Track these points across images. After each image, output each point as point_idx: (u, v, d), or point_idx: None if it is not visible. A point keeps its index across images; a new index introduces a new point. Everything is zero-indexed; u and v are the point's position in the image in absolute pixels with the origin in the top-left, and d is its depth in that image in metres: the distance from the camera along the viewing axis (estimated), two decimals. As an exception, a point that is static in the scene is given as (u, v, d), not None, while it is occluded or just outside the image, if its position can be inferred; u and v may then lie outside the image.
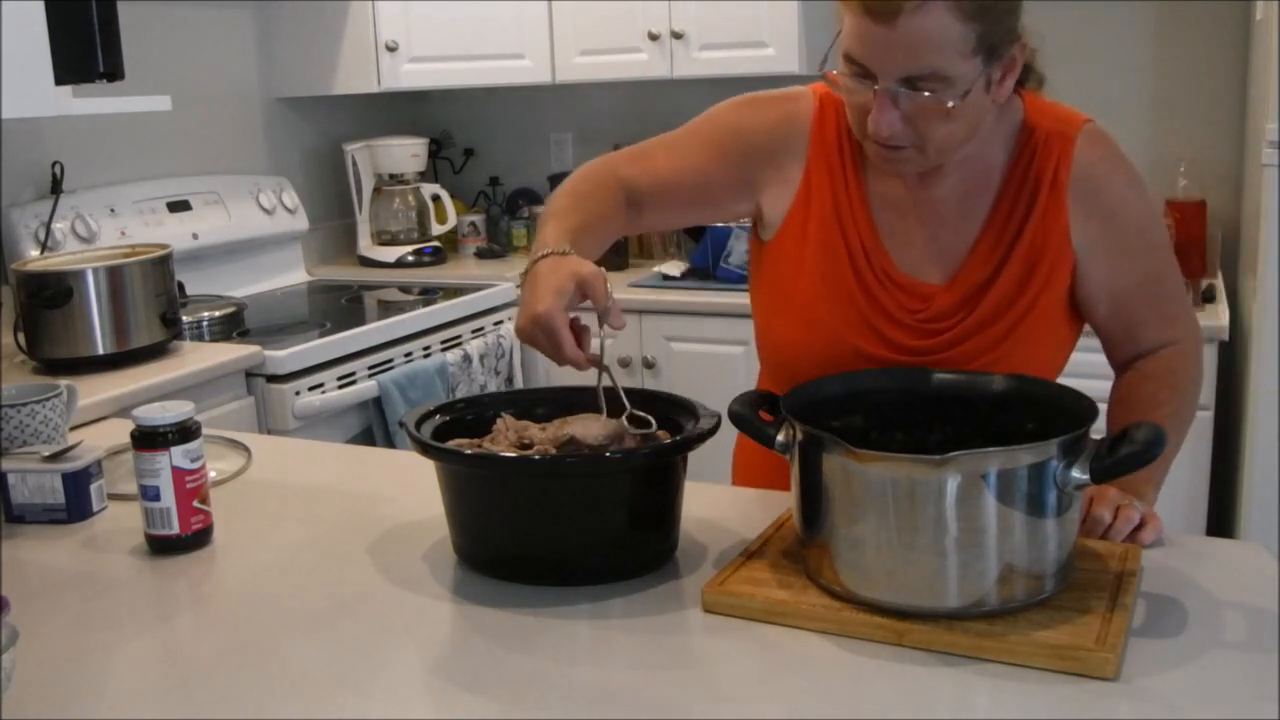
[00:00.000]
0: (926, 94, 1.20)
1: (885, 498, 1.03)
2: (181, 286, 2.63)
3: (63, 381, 1.63)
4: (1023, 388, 1.20)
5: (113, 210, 2.74)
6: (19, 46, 1.95)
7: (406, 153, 3.43)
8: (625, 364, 3.04)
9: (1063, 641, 0.98)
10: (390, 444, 2.59)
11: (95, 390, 2.00)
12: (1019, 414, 1.18)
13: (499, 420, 1.28)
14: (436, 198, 3.46)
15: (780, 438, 1.15)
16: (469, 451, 1.20)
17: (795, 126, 1.42)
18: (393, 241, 3.47)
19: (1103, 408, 1.17)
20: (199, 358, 2.29)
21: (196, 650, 1.09)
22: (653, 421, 1.22)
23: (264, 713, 0.96)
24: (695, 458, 1.21)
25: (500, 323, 3.04)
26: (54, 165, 2.62)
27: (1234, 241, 2.92)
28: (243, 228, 3.06)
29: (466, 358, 2.84)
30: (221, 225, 3.00)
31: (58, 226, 2.59)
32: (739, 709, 0.95)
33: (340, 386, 2.53)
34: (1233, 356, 2.60)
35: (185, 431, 1.30)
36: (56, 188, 2.60)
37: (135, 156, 2.92)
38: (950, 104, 1.20)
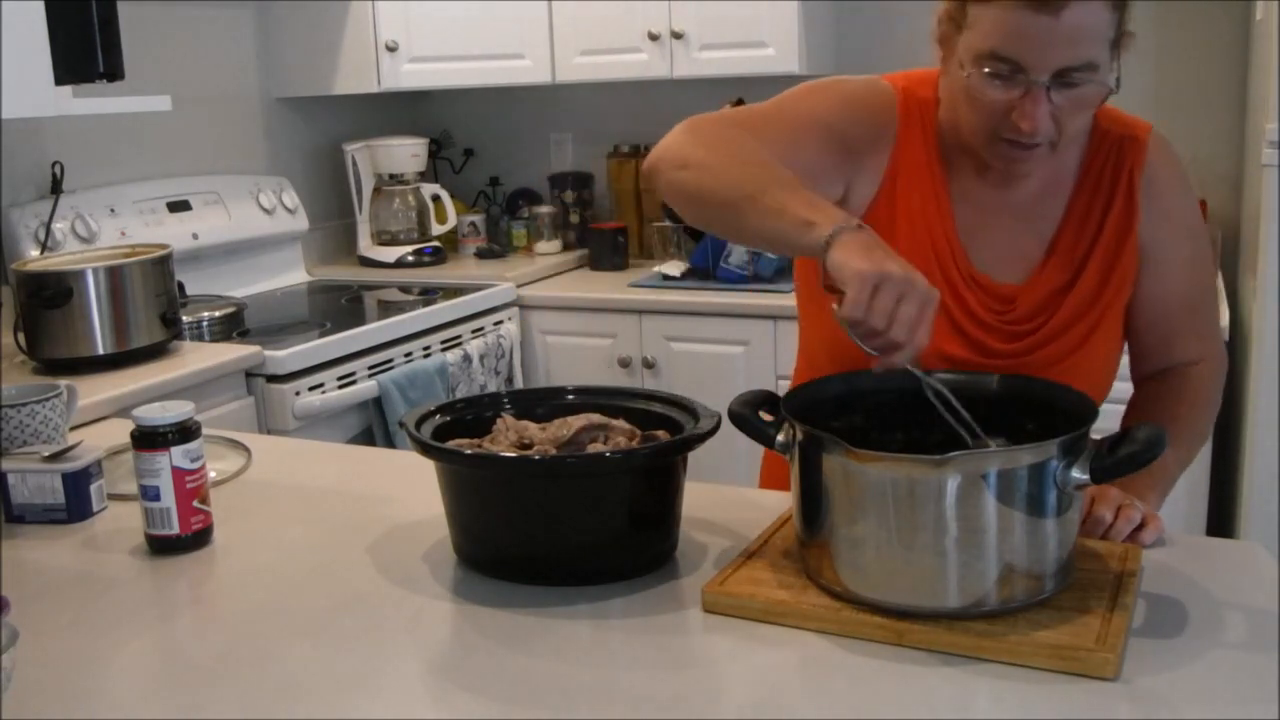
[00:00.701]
0: (1084, 83, 1.19)
1: (885, 498, 1.03)
2: (181, 286, 2.63)
3: (63, 381, 1.63)
4: (1023, 388, 1.20)
5: (113, 210, 2.74)
6: (19, 46, 1.95)
7: (406, 153, 3.43)
8: (625, 364, 3.04)
9: (1063, 641, 0.98)
10: (390, 444, 2.59)
11: (95, 390, 2.00)
12: (1019, 414, 1.18)
13: (499, 420, 1.28)
14: (436, 198, 3.46)
15: (780, 438, 1.15)
16: (469, 451, 1.20)
17: (885, 119, 1.36)
18: (393, 241, 3.47)
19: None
20: (199, 358, 2.29)
21: (196, 650, 1.09)
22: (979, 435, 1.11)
23: (264, 713, 0.96)
24: (695, 458, 1.21)
25: (500, 323, 3.04)
26: (54, 165, 2.62)
27: (1234, 241, 2.92)
28: (243, 228, 3.06)
29: (466, 358, 2.84)
30: (221, 225, 3.00)
31: (58, 226, 2.59)
32: (739, 709, 0.95)
33: (340, 386, 2.53)
34: (1232, 356, 2.60)
35: (185, 431, 1.30)
36: (56, 188, 2.60)
37: (135, 156, 2.92)
38: (1100, 95, 1.20)
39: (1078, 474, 1.03)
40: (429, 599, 1.17)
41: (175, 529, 1.30)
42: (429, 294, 3.05)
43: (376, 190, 3.47)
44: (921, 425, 1.22)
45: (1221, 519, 2.60)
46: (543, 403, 1.34)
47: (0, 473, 1.41)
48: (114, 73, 2.12)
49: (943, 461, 1.00)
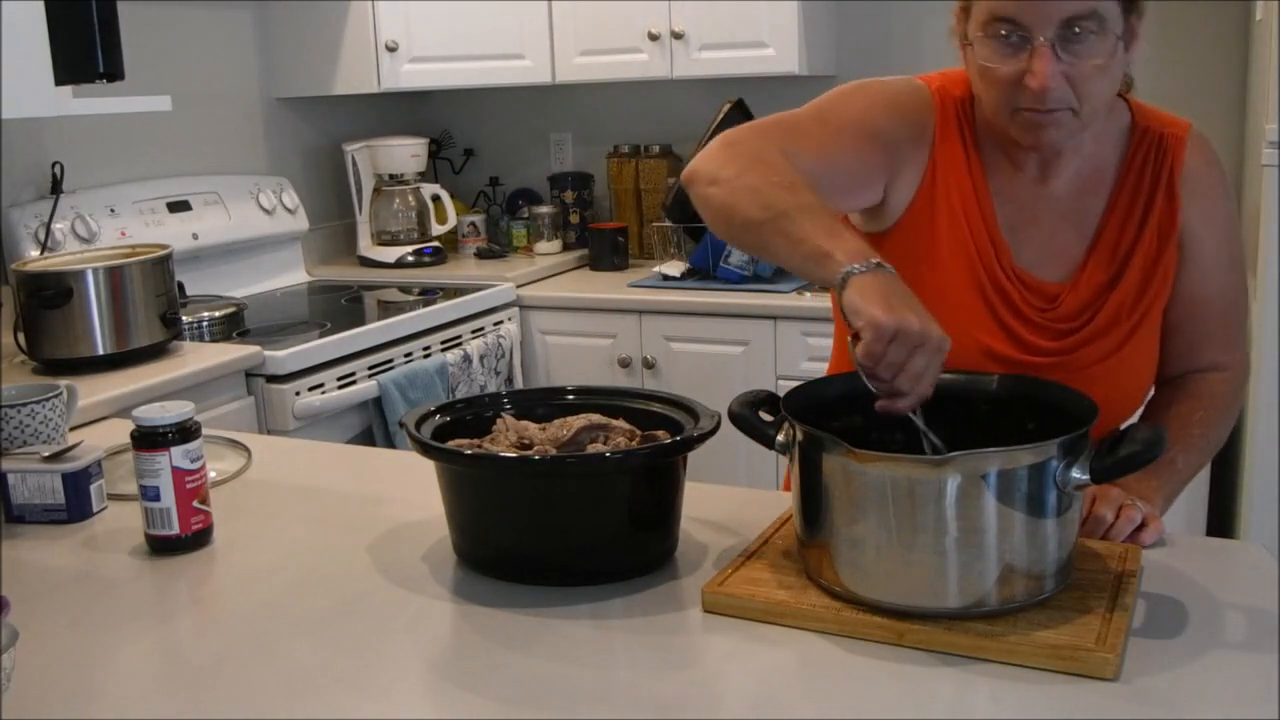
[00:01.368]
0: (1089, 36, 1.18)
1: (885, 498, 1.03)
2: (181, 286, 2.63)
3: (63, 381, 1.63)
4: (1023, 388, 1.20)
5: (113, 210, 2.74)
6: (19, 46, 1.95)
7: (406, 153, 3.43)
8: (625, 364, 3.04)
9: (1063, 641, 0.98)
10: (390, 444, 2.59)
11: (95, 390, 2.00)
12: (1019, 414, 1.18)
13: (499, 420, 1.28)
14: (436, 198, 3.46)
15: (780, 438, 1.15)
16: (469, 451, 1.20)
17: (924, 118, 1.36)
18: (393, 241, 3.47)
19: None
20: (199, 358, 2.29)
21: (196, 650, 1.09)
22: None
23: (264, 713, 0.96)
24: (696, 458, 1.21)
25: (500, 323, 3.04)
26: (54, 165, 2.62)
27: (1234, 241, 2.91)
28: (243, 228, 3.05)
29: (466, 358, 2.84)
30: (221, 225, 3.00)
31: (58, 226, 2.59)
32: (739, 709, 0.95)
33: (340, 387, 2.53)
34: (1233, 356, 2.59)
35: (185, 431, 1.30)
36: (56, 188, 2.60)
37: (135, 156, 2.92)
38: (1109, 50, 1.19)
39: (1078, 474, 1.03)
40: (429, 599, 1.17)
41: (175, 529, 1.30)
42: (429, 294, 3.05)
43: (376, 190, 3.47)
44: (921, 425, 1.22)
45: (1221, 519, 2.60)
46: (543, 403, 1.34)
47: (0, 473, 1.41)
48: (114, 73, 2.12)
49: (943, 461, 1.00)
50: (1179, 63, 2.99)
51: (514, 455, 1.19)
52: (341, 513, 1.42)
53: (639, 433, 1.25)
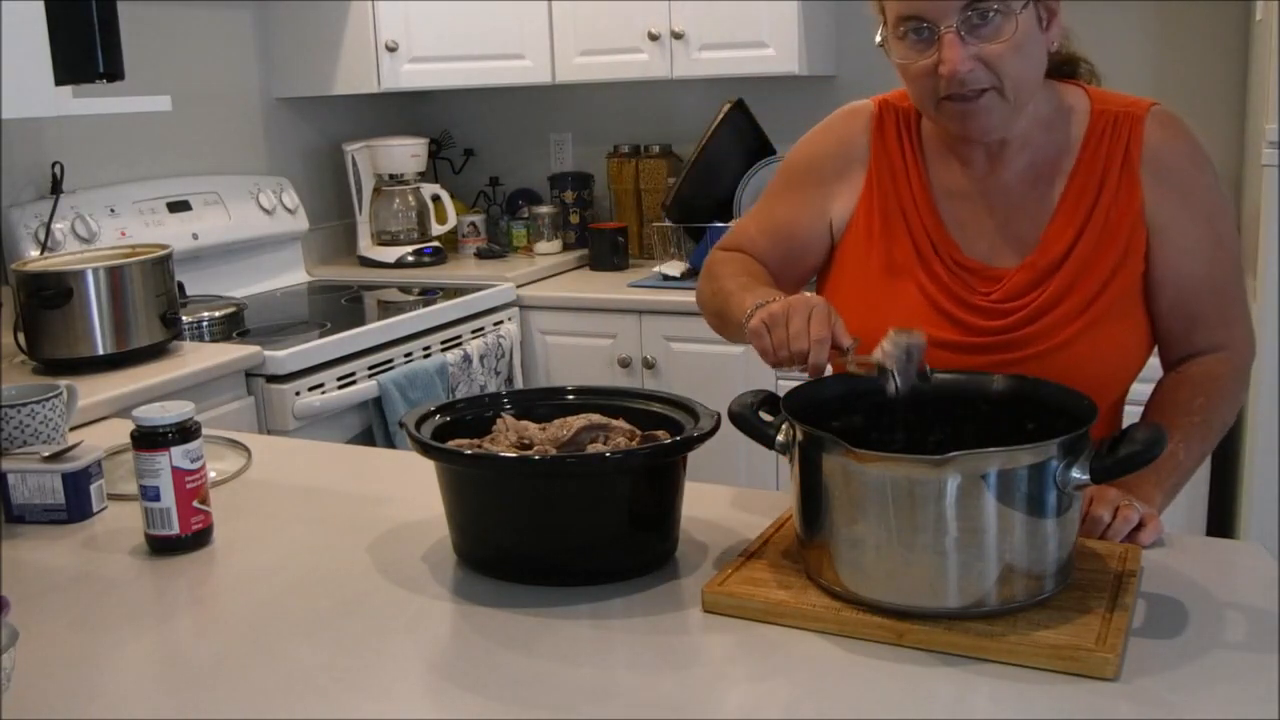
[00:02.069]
0: (995, 16, 1.23)
1: (885, 498, 1.03)
2: (181, 286, 2.63)
3: (63, 381, 1.63)
4: (1023, 388, 1.20)
5: (113, 210, 2.74)
6: (19, 46, 1.95)
7: (406, 153, 3.43)
8: (625, 364, 3.04)
9: (1063, 641, 0.98)
10: (390, 444, 2.59)
11: (95, 390, 2.00)
12: (1019, 414, 1.18)
13: (499, 420, 1.28)
14: (436, 198, 3.46)
15: (780, 438, 1.15)
16: (469, 451, 1.20)
17: (856, 138, 1.46)
18: (393, 242, 3.47)
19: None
20: (199, 358, 2.29)
21: (196, 650, 1.09)
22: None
23: (264, 713, 0.96)
24: (696, 458, 1.21)
25: (500, 323, 3.04)
26: (54, 165, 2.62)
27: (1234, 241, 2.91)
28: (243, 228, 3.05)
29: (466, 358, 2.84)
30: (221, 225, 3.00)
31: (58, 226, 2.59)
32: (739, 709, 0.95)
33: (340, 387, 2.53)
34: (1233, 356, 2.59)
35: (185, 431, 1.30)
36: (56, 188, 2.60)
37: (135, 156, 2.92)
38: (1015, 28, 1.23)
39: (1077, 474, 1.03)
40: (429, 599, 1.17)
41: (175, 529, 1.30)
42: (429, 294, 3.05)
43: (376, 190, 3.47)
44: (921, 425, 1.22)
45: (1221, 519, 2.60)
46: (543, 403, 1.34)
47: (0, 473, 1.42)
48: (114, 73, 2.12)
49: (943, 461, 1.00)
50: (1179, 63, 2.99)
51: (514, 455, 1.19)
52: (341, 513, 1.42)
53: (639, 433, 1.25)
